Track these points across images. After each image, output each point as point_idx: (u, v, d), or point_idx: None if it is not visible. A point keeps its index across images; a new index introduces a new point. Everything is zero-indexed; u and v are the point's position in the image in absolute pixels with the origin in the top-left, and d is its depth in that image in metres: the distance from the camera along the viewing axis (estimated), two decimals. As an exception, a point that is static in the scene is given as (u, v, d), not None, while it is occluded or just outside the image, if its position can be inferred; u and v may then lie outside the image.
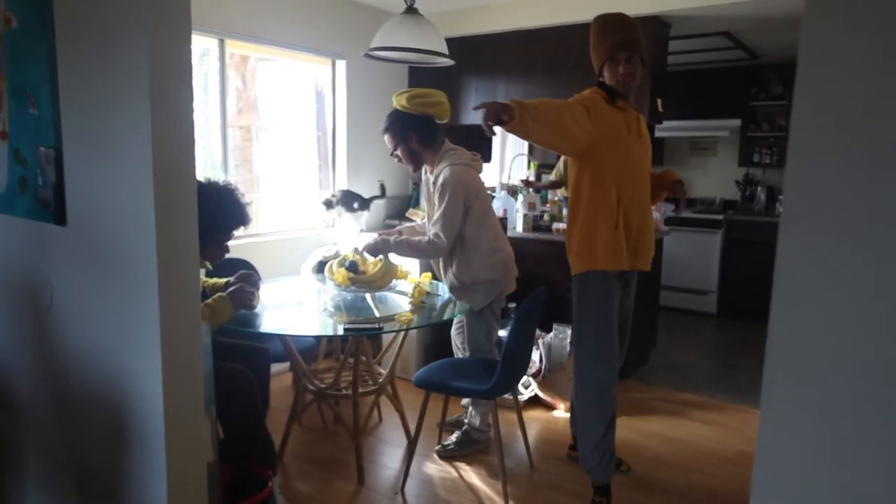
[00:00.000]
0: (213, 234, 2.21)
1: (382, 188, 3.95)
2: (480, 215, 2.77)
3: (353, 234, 3.51)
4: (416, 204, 4.57)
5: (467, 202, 2.72)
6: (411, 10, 2.83)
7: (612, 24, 2.35)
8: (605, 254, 2.36)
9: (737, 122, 5.71)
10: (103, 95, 1.56)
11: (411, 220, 4.02)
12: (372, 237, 2.86)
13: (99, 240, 1.65)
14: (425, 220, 3.09)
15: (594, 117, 2.29)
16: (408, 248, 2.76)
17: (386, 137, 2.83)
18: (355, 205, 3.49)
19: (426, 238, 2.74)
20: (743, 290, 5.40)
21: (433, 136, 2.79)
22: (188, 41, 1.51)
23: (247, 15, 3.55)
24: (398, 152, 2.82)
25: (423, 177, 2.94)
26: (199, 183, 2.24)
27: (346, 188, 4.12)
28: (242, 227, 2.31)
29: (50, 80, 1.67)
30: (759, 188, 5.81)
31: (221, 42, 3.51)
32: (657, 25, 3.78)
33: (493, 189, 4.48)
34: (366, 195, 3.62)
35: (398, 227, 3.08)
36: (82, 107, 1.63)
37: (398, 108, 2.78)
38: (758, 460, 0.73)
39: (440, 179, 2.72)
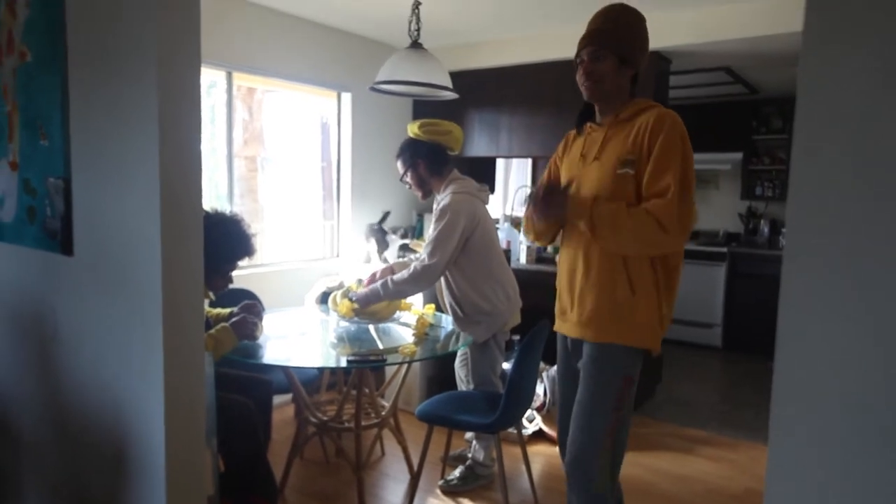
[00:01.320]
0: (218, 265, 2.21)
1: (383, 219, 3.97)
2: (482, 246, 2.78)
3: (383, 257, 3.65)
4: (420, 235, 4.59)
5: (466, 231, 2.73)
6: (416, 45, 2.89)
7: (588, 23, 1.91)
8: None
9: (738, 156, 5.75)
10: (113, 126, 1.58)
11: (415, 252, 4.03)
12: (366, 280, 2.88)
13: (104, 270, 1.66)
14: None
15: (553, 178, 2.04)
16: (395, 289, 2.72)
17: (398, 163, 2.91)
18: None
19: (412, 267, 2.73)
20: (748, 323, 5.37)
21: (441, 164, 2.84)
22: (197, 74, 1.53)
23: (254, 49, 3.62)
24: (407, 178, 2.89)
25: (434, 206, 2.98)
26: (206, 213, 2.27)
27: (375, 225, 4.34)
28: (247, 259, 2.32)
29: (62, 111, 1.70)
30: (762, 221, 5.82)
31: (229, 74, 3.58)
32: (658, 60, 3.84)
33: (497, 220, 4.50)
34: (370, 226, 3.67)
35: (391, 264, 3.10)
36: (92, 138, 1.65)
37: (411, 135, 2.86)
38: (767, 498, 0.72)
39: (440, 205, 2.76)
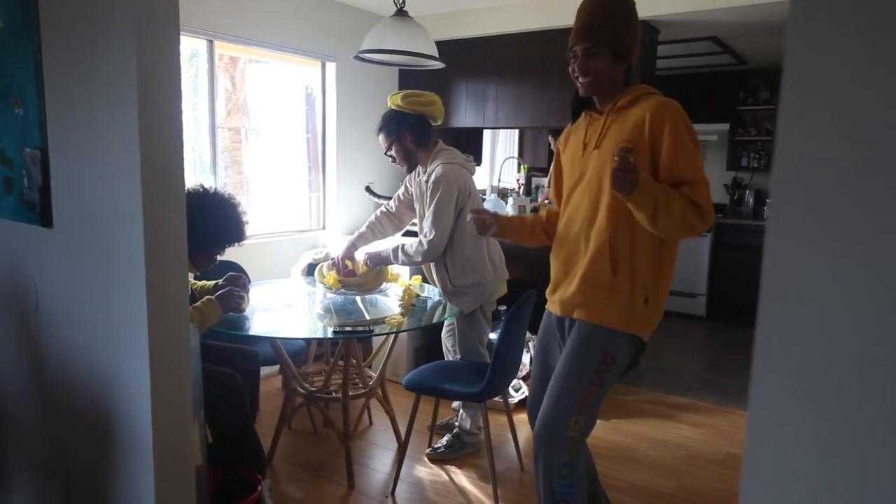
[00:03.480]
0: (209, 245, 2.21)
1: (369, 190, 3.93)
2: None
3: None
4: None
5: (460, 201, 2.73)
6: (401, 13, 2.83)
7: (578, 11, 1.88)
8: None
9: (725, 127, 5.76)
10: (90, 96, 1.54)
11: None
12: (376, 249, 2.90)
13: (86, 242, 1.64)
14: (375, 215, 3.15)
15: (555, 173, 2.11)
16: (404, 255, 2.78)
17: (381, 137, 2.86)
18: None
19: (417, 240, 2.75)
20: (732, 293, 5.44)
21: (427, 136, 2.81)
22: (176, 41, 1.50)
23: (236, 16, 3.53)
24: (392, 151, 2.85)
25: (415, 179, 2.94)
26: (205, 193, 2.25)
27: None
28: (237, 245, 2.31)
29: (35, 80, 1.66)
30: (747, 192, 5.85)
31: (210, 43, 3.50)
32: (646, 30, 3.80)
33: (484, 192, 4.49)
34: (355, 196, 3.63)
35: (355, 238, 3.08)
36: (69, 107, 1.61)
37: (393, 107, 2.81)
38: (746, 462, 0.73)
39: (432, 177, 2.73)
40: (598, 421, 3.33)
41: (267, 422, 3.10)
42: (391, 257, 2.82)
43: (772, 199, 0.72)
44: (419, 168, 2.90)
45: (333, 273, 2.86)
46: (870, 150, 0.65)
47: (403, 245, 2.79)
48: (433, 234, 2.69)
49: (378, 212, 3.13)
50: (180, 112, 1.52)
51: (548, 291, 2.06)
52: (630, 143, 1.76)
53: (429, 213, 2.71)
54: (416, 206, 2.97)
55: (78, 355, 1.71)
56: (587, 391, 1.86)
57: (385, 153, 2.90)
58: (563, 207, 2.01)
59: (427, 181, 2.78)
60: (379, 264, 2.88)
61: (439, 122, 2.88)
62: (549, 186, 2.20)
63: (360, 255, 2.99)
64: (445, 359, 3.15)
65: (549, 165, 5.93)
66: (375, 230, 3.09)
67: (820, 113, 0.67)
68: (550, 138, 5.38)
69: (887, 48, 0.63)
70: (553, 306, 2.02)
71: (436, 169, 2.74)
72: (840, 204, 0.66)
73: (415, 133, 2.79)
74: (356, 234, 3.09)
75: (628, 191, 1.66)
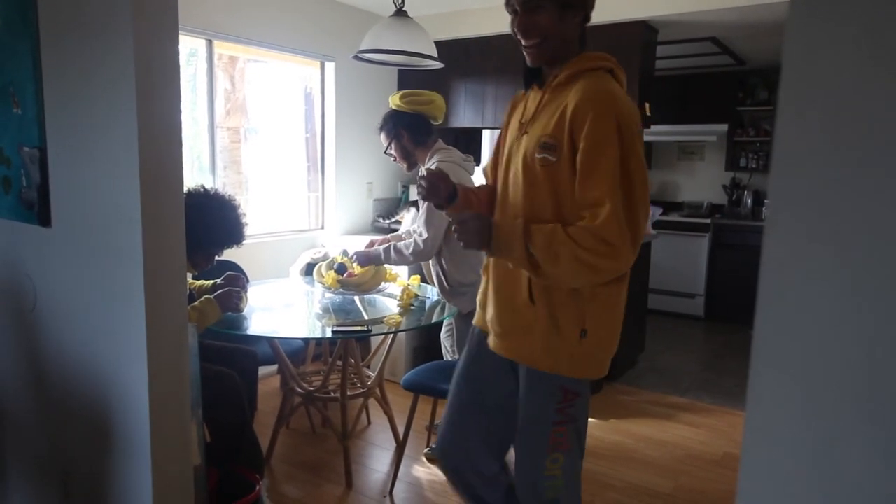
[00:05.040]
0: (208, 246, 2.21)
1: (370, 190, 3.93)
2: None
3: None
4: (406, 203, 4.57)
5: None
6: (401, 13, 2.83)
7: None
8: None
9: (724, 127, 5.76)
10: (89, 95, 1.54)
11: (400, 223, 4.02)
12: (364, 247, 2.90)
13: (84, 241, 1.64)
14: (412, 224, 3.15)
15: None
16: (396, 255, 2.78)
17: (381, 136, 2.88)
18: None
19: (412, 239, 2.75)
20: (730, 294, 5.44)
21: (425, 135, 2.82)
22: (175, 41, 1.50)
23: (235, 15, 3.53)
24: (391, 150, 2.87)
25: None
26: (205, 193, 2.25)
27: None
28: (235, 247, 2.32)
29: (34, 79, 1.66)
30: (745, 192, 5.86)
31: (209, 43, 3.49)
32: (645, 30, 3.80)
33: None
34: (354, 196, 3.63)
35: (388, 236, 3.11)
36: (67, 107, 1.61)
37: (393, 106, 2.83)
38: (743, 462, 0.73)
39: None
40: (597, 421, 3.35)
41: (265, 421, 3.09)
42: (382, 256, 2.81)
43: (770, 199, 0.72)
44: (420, 167, 2.91)
45: (332, 273, 2.86)
46: (868, 151, 0.65)
47: (396, 244, 2.79)
48: (427, 233, 2.69)
49: (402, 233, 3.17)
50: (179, 111, 1.52)
51: (479, 298, 1.69)
52: (552, 139, 1.38)
53: (422, 212, 2.71)
54: (417, 206, 2.98)
55: (76, 354, 1.71)
56: (555, 431, 1.52)
57: (384, 152, 2.92)
58: (500, 192, 1.60)
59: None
60: (369, 264, 2.87)
61: (440, 121, 2.89)
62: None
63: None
64: (444, 359, 3.15)
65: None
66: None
67: (818, 114, 0.67)
68: None
69: (885, 49, 0.63)
70: (480, 322, 1.68)
71: (431, 167, 2.75)
72: (838, 204, 0.66)
73: (412, 132, 2.80)
74: (391, 236, 3.13)
75: (476, 244, 1.38)
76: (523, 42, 1.46)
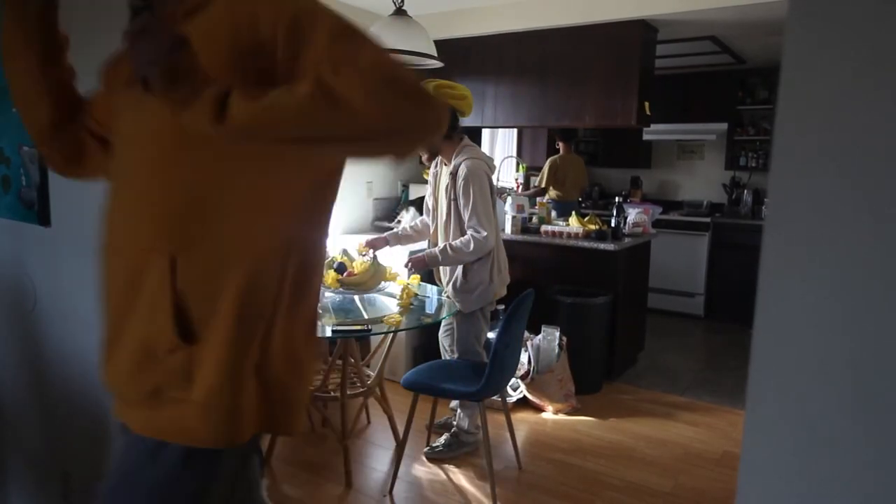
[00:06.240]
0: None
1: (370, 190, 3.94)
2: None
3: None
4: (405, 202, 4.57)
5: (493, 195, 2.80)
6: (400, 12, 2.83)
7: None
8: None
9: (723, 126, 5.76)
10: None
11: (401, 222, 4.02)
12: (364, 245, 2.90)
13: (84, 241, 1.63)
14: (415, 220, 3.15)
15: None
16: (454, 253, 2.75)
17: None
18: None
19: (466, 236, 2.74)
20: (729, 293, 5.44)
21: (453, 129, 2.82)
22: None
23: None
24: None
25: (432, 170, 2.97)
26: None
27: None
28: None
29: (34, 79, 1.65)
30: (745, 191, 5.86)
31: (209, 42, 3.49)
32: (645, 29, 3.80)
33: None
34: (354, 196, 3.64)
35: (390, 233, 3.11)
36: (67, 106, 1.61)
37: None
38: (743, 461, 0.73)
39: (462, 173, 2.73)
40: (597, 420, 3.36)
41: (265, 421, 3.09)
42: (439, 258, 2.78)
43: (769, 198, 0.72)
44: (439, 159, 2.90)
45: (332, 272, 2.86)
46: (867, 150, 0.65)
47: (451, 242, 2.77)
48: (485, 230, 2.70)
49: (418, 220, 3.16)
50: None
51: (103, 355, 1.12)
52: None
53: (470, 212, 2.71)
54: (430, 200, 2.98)
55: (75, 353, 1.71)
56: None
57: None
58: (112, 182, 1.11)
59: (453, 174, 2.77)
60: (426, 268, 2.86)
61: (467, 117, 2.90)
62: None
63: (385, 253, 3.03)
64: (443, 358, 3.15)
65: (549, 165, 5.93)
66: (421, 233, 3.12)
67: (817, 113, 0.67)
68: (560, 143, 5.37)
69: (884, 49, 0.63)
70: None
71: (463, 164, 2.75)
72: (837, 203, 0.66)
73: None
74: (394, 231, 3.12)
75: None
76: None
